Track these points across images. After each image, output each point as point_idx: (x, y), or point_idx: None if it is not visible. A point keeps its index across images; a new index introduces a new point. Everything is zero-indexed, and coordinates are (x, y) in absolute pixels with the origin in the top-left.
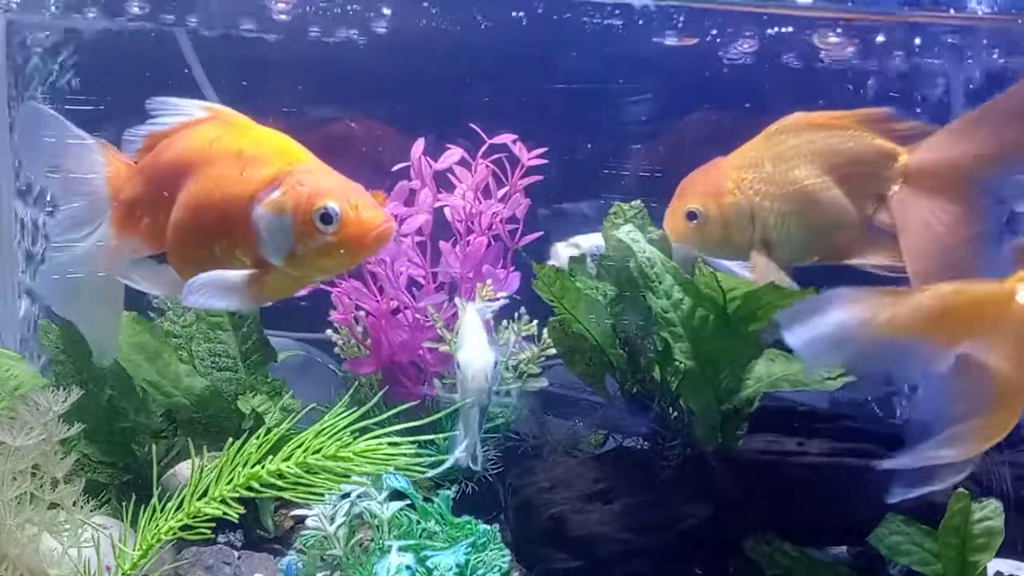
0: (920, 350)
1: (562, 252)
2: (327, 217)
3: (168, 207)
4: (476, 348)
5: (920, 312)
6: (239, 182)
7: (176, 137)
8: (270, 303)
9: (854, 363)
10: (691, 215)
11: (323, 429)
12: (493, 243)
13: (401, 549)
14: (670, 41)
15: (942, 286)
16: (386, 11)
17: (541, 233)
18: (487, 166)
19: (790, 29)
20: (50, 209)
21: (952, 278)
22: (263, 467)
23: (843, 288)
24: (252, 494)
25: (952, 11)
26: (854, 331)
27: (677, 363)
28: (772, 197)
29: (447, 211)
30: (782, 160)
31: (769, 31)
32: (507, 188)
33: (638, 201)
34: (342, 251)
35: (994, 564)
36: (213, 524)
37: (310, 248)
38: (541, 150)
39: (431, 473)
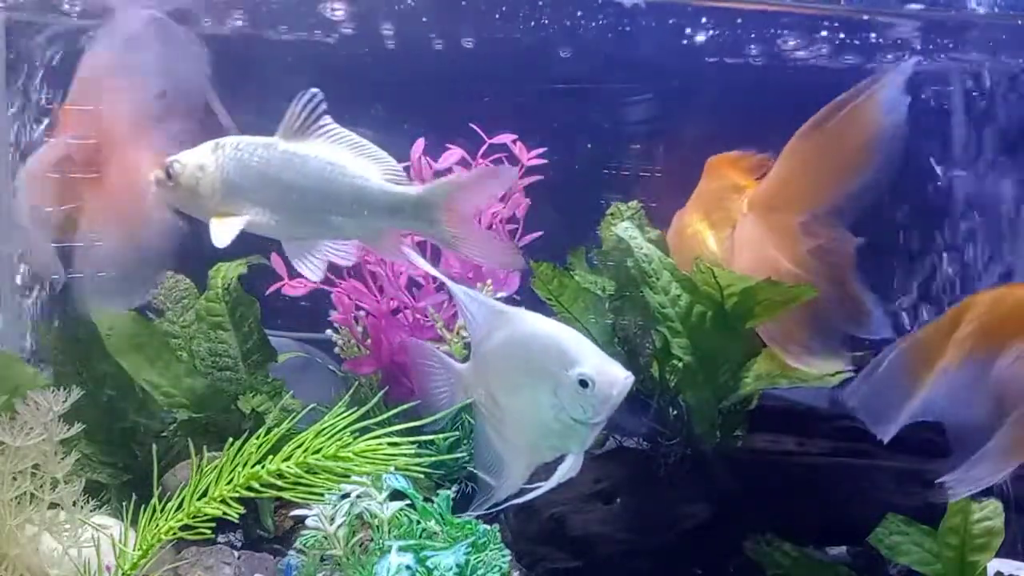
0: (978, 368)
1: None
2: None
3: None
4: (610, 362)
5: (972, 331)
6: None
7: None
8: None
9: (941, 411)
10: None
11: (323, 429)
12: None
13: (401, 549)
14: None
15: (976, 300)
16: None
17: (541, 233)
18: (487, 166)
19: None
20: None
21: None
22: (263, 467)
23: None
24: (252, 494)
25: None
26: (925, 389)
27: (675, 360)
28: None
29: None
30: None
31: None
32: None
33: (635, 201)
34: None
35: (994, 564)
36: (213, 524)
37: None
38: (541, 150)
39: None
